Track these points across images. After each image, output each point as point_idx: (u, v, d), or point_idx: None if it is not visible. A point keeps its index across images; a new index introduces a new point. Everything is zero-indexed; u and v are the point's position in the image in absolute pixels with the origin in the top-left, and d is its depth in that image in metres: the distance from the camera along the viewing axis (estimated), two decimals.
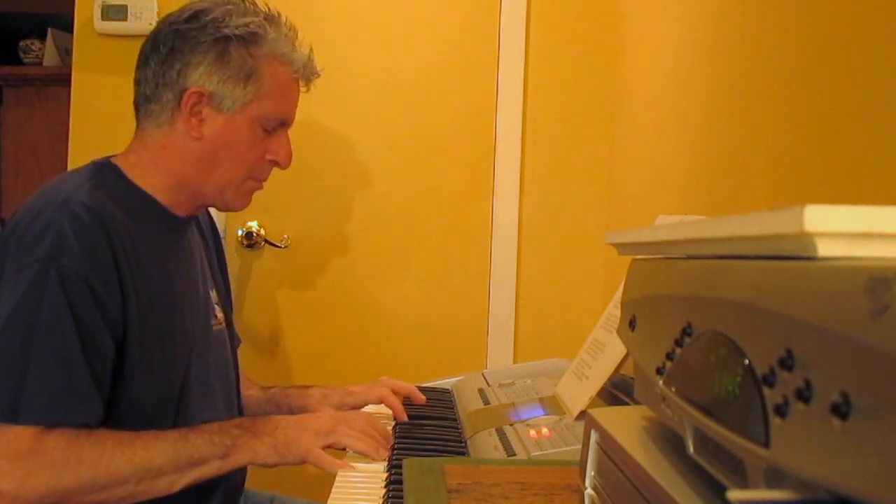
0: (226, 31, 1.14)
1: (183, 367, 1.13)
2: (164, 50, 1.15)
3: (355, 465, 1.05)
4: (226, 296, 1.36)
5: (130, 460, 0.98)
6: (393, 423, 1.27)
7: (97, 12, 1.93)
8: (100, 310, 1.00)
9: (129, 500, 0.99)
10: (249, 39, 1.15)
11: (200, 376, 1.16)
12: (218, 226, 1.43)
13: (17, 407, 0.94)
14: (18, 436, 0.95)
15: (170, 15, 1.19)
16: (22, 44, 2.78)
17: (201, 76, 1.13)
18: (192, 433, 1.03)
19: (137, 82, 1.18)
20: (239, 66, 1.14)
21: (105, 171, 1.14)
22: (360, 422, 1.11)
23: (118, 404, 1.04)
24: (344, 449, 1.09)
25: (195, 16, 1.15)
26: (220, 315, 1.28)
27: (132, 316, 1.04)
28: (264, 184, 1.25)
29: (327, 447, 1.07)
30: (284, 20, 1.21)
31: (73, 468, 0.95)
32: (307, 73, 1.22)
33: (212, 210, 1.36)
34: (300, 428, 1.07)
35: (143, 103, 1.17)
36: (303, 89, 1.24)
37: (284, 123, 1.21)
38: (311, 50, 1.23)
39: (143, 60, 1.18)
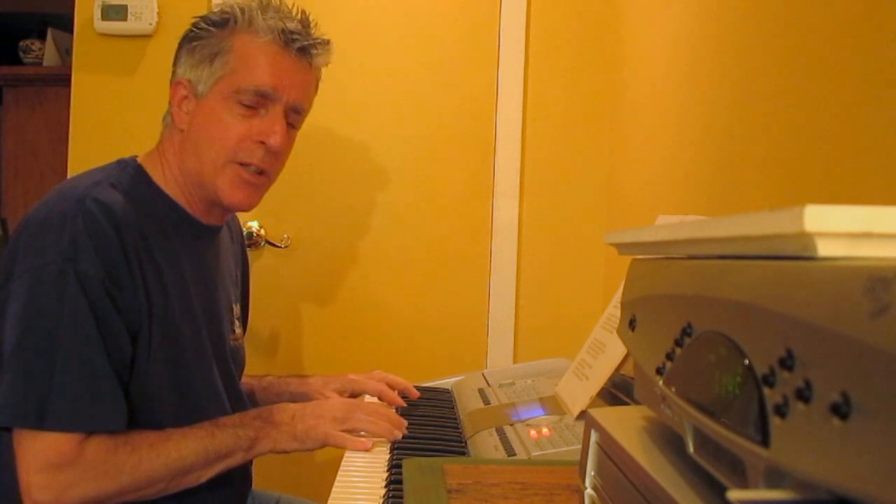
0: (202, 22, 1.16)
1: (193, 375, 1.12)
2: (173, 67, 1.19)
3: (371, 442, 1.09)
4: (246, 314, 1.37)
5: (165, 462, 1.00)
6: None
7: (97, 12, 1.93)
8: (117, 311, 1.00)
9: (159, 495, 1.02)
10: (220, 23, 1.15)
11: (210, 388, 1.16)
12: None
13: (43, 413, 0.94)
14: (56, 447, 0.94)
15: None
16: (22, 44, 2.79)
17: (180, 67, 1.16)
18: (218, 429, 1.06)
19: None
20: (208, 49, 1.14)
21: (128, 170, 1.13)
22: (372, 406, 1.15)
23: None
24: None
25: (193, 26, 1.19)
26: (238, 331, 1.29)
27: (143, 317, 1.04)
28: (263, 178, 1.16)
29: (343, 432, 1.10)
30: (272, 2, 1.17)
31: (113, 477, 0.97)
32: (287, 38, 1.13)
33: None
34: (316, 415, 1.10)
35: (165, 116, 1.20)
36: (304, 61, 1.16)
37: (266, 96, 1.12)
38: (303, 17, 1.17)
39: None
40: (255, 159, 1.13)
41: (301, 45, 1.15)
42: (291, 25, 1.14)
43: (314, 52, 1.17)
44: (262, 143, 1.13)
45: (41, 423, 0.94)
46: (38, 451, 0.94)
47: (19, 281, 0.98)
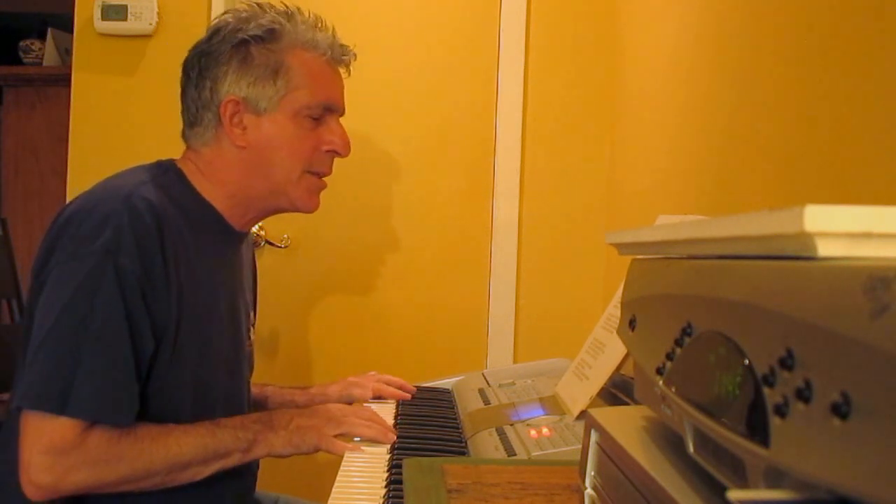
0: (242, 35, 1.15)
1: (212, 378, 1.14)
2: (194, 75, 1.17)
3: (363, 448, 1.10)
4: (254, 321, 1.39)
5: (165, 456, 1.02)
6: (393, 421, 1.28)
7: (97, 12, 1.93)
8: (147, 309, 1.02)
9: (156, 488, 1.03)
10: (268, 37, 1.16)
11: (225, 391, 1.17)
12: None
13: (66, 399, 0.96)
14: (61, 432, 0.96)
15: (196, 42, 1.21)
16: (22, 44, 2.79)
17: (230, 85, 1.15)
18: (218, 429, 1.07)
19: (182, 113, 1.21)
20: (264, 65, 1.15)
21: (169, 173, 1.15)
22: (366, 411, 1.18)
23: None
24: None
25: (214, 33, 1.18)
26: (252, 336, 1.31)
27: (171, 317, 1.05)
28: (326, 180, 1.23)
29: (338, 436, 1.12)
30: (305, 11, 1.21)
31: (113, 465, 0.99)
32: (337, 54, 1.20)
33: None
34: (312, 420, 1.12)
35: (188, 129, 1.20)
36: (345, 74, 1.24)
37: (331, 109, 1.20)
38: (334, 30, 1.22)
39: (182, 90, 1.20)
40: (326, 167, 1.22)
41: (347, 60, 1.23)
42: (337, 42, 1.21)
43: (351, 64, 1.25)
44: (333, 152, 1.21)
45: (63, 409, 0.96)
46: (43, 432, 0.96)
47: (59, 269, 1.00)
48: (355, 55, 1.24)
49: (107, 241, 0.99)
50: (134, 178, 1.09)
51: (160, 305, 1.04)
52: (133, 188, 1.05)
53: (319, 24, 1.21)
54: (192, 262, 1.09)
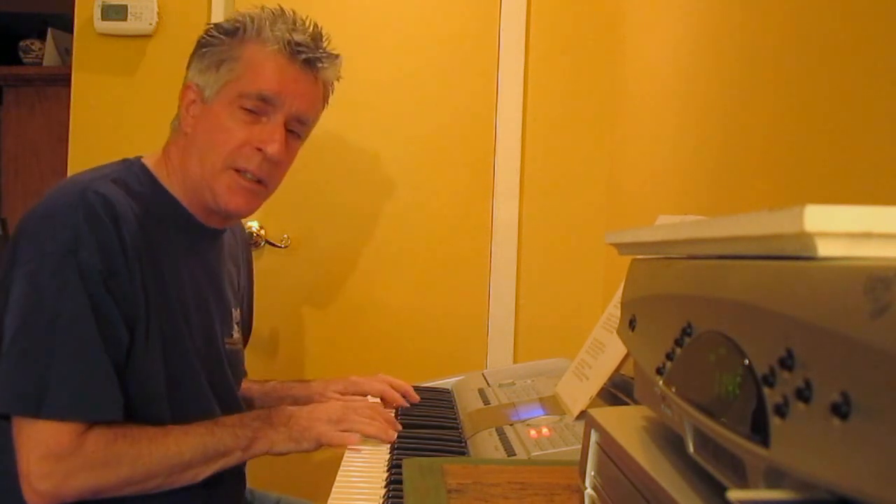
0: (214, 30, 1.18)
1: (185, 371, 1.13)
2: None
3: (361, 448, 1.10)
4: (248, 319, 1.37)
5: (164, 456, 1.01)
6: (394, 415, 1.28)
7: (97, 12, 1.93)
8: (115, 302, 1.01)
9: (157, 490, 1.03)
10: (231, 31, 1.17)
11: (204, 387, 1.16)
12: None
13: (41, 401, 0.95)
14: (57, 437, 0.96)
15: None
16: (22, 44, 2.78)
17: (191, 72, 1.18)
18: (217, 427, 1.07)
19: None
20: (216, 55, 1.16)
21: (132, 168, 1.15)
22: (367, 409, 1.16)
23: None
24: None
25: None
26: (237, 335, 1.30)
27: (140, 310, 1.05)
28: (262, 185, 1.17)
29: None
30: (290, 12, 1.19)
31: (113, 468, 0.98)
32: (293, 49, 1.15)
33: None
34: (312, 417, 1.12)
35: (174, 119, 1.21)
36: (309, 73, 1.17)
37: (267, 100, 1.13)
38: (314, 32, 1.18)
39: None
40: (253, 166, 1.15)
41: (307, 57, 1.17)
42: (299, 37, 1.16)
43: (320, 65, 1.19)
44: (261, 150, 1.14)
45: (38, 411, 0.95)
46: (38, 439, 0.96)
47: (22, 270, 1.00)
48: (324, 56, 1.19)
49: (66, 240, 0.99)
50: (90, 175, 1.09)
51: (127, 296, 1.03)
52: (87, 184, 1.04)
53: (294, 24, 1.17)
54: (157, 256, 1.08)
